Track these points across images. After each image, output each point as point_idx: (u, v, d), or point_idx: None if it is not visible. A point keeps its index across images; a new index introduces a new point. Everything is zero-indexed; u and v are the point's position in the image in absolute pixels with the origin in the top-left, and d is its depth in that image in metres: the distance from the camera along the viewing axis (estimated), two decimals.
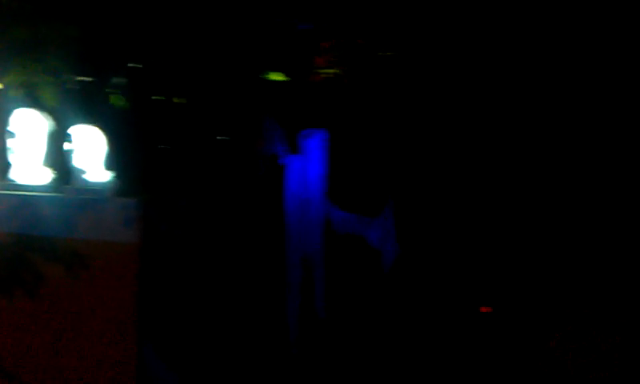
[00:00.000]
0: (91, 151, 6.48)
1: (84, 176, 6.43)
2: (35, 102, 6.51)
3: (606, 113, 7.44)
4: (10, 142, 6.50)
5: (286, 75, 7.93)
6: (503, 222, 7.53)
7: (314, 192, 7.58)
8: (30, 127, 6.50)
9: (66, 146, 6.41)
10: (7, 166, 6.52)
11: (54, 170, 6.55)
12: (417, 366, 7.38)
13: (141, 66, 7.19)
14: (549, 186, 7.50)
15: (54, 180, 6.51)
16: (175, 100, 7.09)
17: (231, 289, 7.10)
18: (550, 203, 7.48)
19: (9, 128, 6.52)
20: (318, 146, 7.64)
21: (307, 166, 7.60)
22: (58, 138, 6.57)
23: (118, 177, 6.55)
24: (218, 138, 7.49)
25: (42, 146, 6.55)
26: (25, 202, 6.26)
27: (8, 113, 6.54)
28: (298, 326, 7.37)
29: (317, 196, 7.58)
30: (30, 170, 6.49)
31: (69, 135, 6.40)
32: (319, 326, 7.42)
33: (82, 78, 6.92)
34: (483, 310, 7.43)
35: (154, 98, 7.16)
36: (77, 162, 6.42)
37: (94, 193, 6.34)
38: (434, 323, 7.43)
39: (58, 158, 6.53)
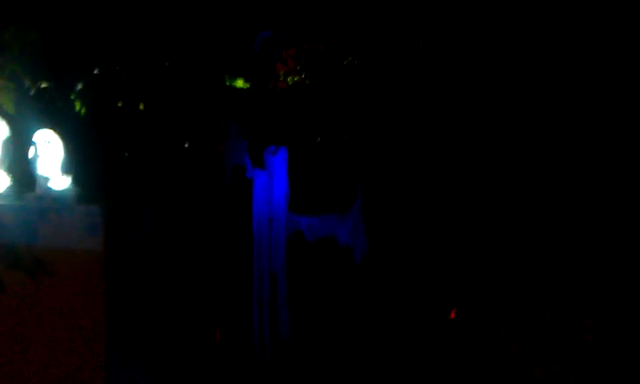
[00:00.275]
0: (54, 158, 6.35)
1: (47, 183, 6.30)
2: None
3: (573, 111, 7.58)
4: None
5: (250, 83, 7.91)
6: (470, 216, 7.61)
7: (278, 209, 7.58)
8: None
9: (29, 152, 6.27)
10: None
11: (15, 176, 6.42)
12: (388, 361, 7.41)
13: (103, 72, 7.10)
14: (514, 181, 7.60)
15: (16, 187, 6.38)
16: (141, 106, 7.01)
17: (197, 295, 7.05)
18: (515, 198, 7.58)
19: None
20: (282, 163, 7.66)
21: (272, 182, 7.60)
22: (20, 144, 6.43)
23: (81, 184, 6.44)
24: (184, 144, 7.43)
25: (1, 153, 6.42)
26: None
27: None
28: (265, 343, 7.35)
29: (281, 213, 7.60)
30: None
31: (32, 142, 6.27)
32: (284, 345, 7.41)
33: (43, 84, 6.81)
34: (452, 315, 7.50)
35: (117, 104, 7.08)
36: (40, 168, 6.29)
37: (57, 200, 6.22)
38: (404, 319, 7.47)
39: (20, 164, 6.40)
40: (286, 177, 7.54)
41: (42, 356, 6.00)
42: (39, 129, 6.47)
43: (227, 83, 7.94)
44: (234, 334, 7.31)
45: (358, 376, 7.51)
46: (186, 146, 7.52)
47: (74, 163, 6.51)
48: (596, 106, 7.51)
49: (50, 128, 6.53)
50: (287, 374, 7.36)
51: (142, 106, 7.26)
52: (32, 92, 6.73)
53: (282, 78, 8.31)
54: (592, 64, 7.52)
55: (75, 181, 6.42)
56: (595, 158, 7.52)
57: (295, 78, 8.28)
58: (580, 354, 7.28)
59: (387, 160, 7.80)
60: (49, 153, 6.43)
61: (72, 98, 6.99)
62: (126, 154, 7.14)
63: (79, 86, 7.08)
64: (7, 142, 6.46)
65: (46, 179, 6.33)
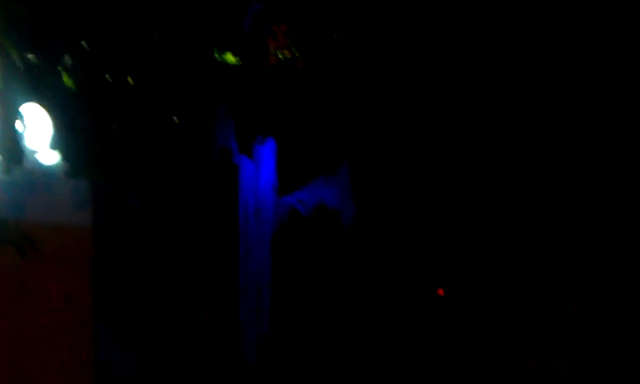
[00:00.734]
0: (42, 132, 6.30)
1: (36, 158, 6.25)
2: None
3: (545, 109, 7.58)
4: None
5: (239, 57, 7.84)
6: (456, 181, 7.61)
7: (265, 200, 7.52)
8: None
9: (17, 126, 6.22)
10: None
11: (3, 151, 6.36)
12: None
13: (91, 45, 7.02)
14: (506, 162, 7.61)
15: (3, 162, 6.33)
16: (129, 80, 6.94)
17: (186, 272, 7.04)
18: (509, 169, 7.59)
19: None
20: (271, 153, 7.59)
21: (259, 173, 7.53)
22: (7, 118, 6.37)
23: (70, 159, 6.40)
24: (172, 119, 7.38)
25: None
26: None
27: None
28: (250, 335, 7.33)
29: (268, 204, 7.53)
30: None
31: (20, 115, 6.21)
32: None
33: (30, 57, 6.72)
34: (440, 292, 7.51)
35: (106, 77, 7.01)
36: (28, 143, 6.24)
37: (45, 175, 6.19)
38: (392, 289, 7.48)
39: (7, 139, 6.34)
40: (274, 168, 7.48)
41: (30, 332, 5.99)
42: (27, 103, 6.42)
43: (216, 57, 7.88)
44: (222, 312, 7.30)
45: (345, 348, 7.51)
46: (175, 119, 7.47)
47: (63, 138, 6.46)
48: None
49: (38, 102, 6.48)
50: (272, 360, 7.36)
51: (130, 80, 7.19)
52: (20, 66, 6.65)
53: (272, 53, 8.25)
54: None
55: (64, 156, 6.38)
56: (579, 150, 7.53)
57: (286, 53, 8.22)
58: (566, 335, 7.31)
59: (376, 131, 7.77)
60: (37, 127, 6.39)
61: (60, 71, 6.92)
62: (115, 128, 7.08)
63: (67, 60, 7.00)
64: None
65: (35, 154, 6.29)
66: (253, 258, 7.40)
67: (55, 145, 6.36)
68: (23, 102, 6.39)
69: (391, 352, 7.55)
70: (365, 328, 7.58)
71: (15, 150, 6.36)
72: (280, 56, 8.16)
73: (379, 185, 7.75)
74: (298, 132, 7.71)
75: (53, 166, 6.30)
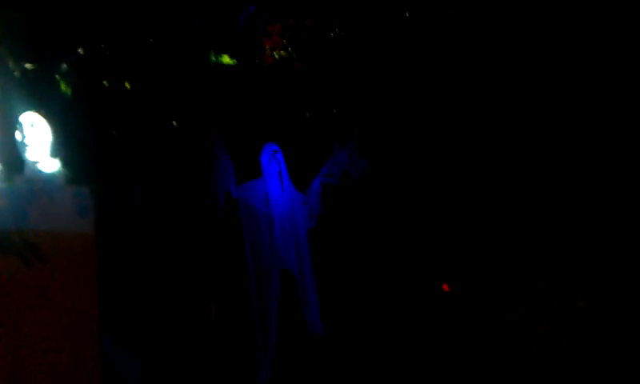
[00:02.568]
0: (42, 140, 6.28)
1: (36, 166, 6.22)
2: None
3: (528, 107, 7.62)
4: None
5: (236, 59, 7.83)
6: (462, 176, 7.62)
7: (285, 208, 7.41)
8: None
9: (17, 135, 6.19)
10: None
11: (3, 160, 6.33)
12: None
13: (87, 51, 7.00)
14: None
15: (4, 171, 6.30)
16: (126, 85, 6.92)
17: (191, 276, 7.02)
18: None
19: None
20: (280, 162, 7.49)
21: (270, 185, 7.42)
22: (6, 127, 6.34)
23: (70, 166, 6.37)
24: (171, 123, 7.36)
25: None
26: None
27: None
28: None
29: (292, 210, 7.43)
30: None
31: (19, 124, 6.18)
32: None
33: (27, 65, 6.70)
34: (445, 288, 7.51)
35: (103, 83, 6.99)
36: (28, 151, 6.21)
37: (46, 183, 6.16)
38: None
39: (7, 148, 6.31)
40: (285, 174, 7.38)
41: (35, 341, 5.96)
42: (25, 112, 6.39)
43: (212, 60, 7.86)
44: (229, 315, 7.27)
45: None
46: (174, 124, 7.45)
47: (63, 145, 6.44)
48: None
49: (37, 110, 6.45)
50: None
51: (127, 85, 7.17)
52: (16, 74, 6.62)
53: (268, 53, 8.23)
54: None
55: (64, 163, 6.35)
56: (584, 149, 7.56)
57: (282, 53, 8.21)
58: (571, 320, 7.33)
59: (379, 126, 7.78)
60: (36, 135, 6.36)
61: (57, 78, 6.89)
62: (114, 134, 7.06)
63: (64, 67, 6.98)
64: None
65: (35, 162, 6.26)
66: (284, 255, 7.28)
67: (55, 152, 6.33)
68: (22, 111, 6.36)
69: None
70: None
71: (15, 158, 6.33)
72: (276, 56, 8.14)
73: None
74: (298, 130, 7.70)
75: (53, 173, 6.27)
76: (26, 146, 6.28)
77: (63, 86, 6.76)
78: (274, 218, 7.27)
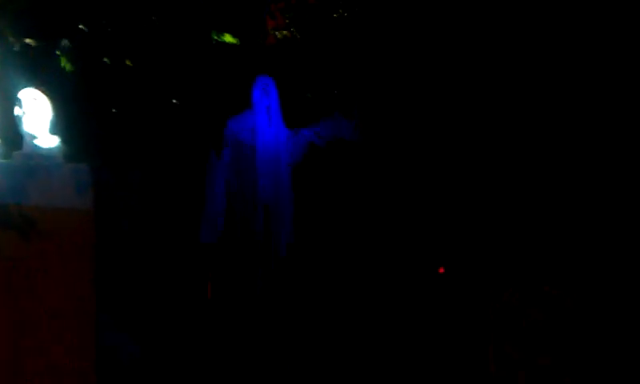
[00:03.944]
0: (41, 116, 6.26)
1: (35, 141, 6.21)
2: None
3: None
4: None
5: (239, 38, 7.81)
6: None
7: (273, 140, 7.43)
8: None
9: (16, 110, 6.18)
10: None
11: (2, 135, 6.33)
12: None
13: (89, 27, 6.99)
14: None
15: (3, 146, 6.30)
16: (127, 63, 6.92)
17: (186, 253, 7.03)
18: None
19: None
20: (270, 96, 7.47)
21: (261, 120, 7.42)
22: (6, 102, 6.34)
23: (69, 142, 6.37)
24: (171, 101, 7.35)
25: None
26: None
27: None
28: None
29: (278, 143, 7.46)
30: None
31: (18, 100, 6.17)
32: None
33: (29, 41, 6.70)
34: (441, 270, 7.51)
35: (104, 60, 6.98)
36: (27, 127, 6.20)
37: (45, 159, 6.14)
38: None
39: (6, 123, 6.31)
40: (277, 109, 7.40)
41: (32, 316, 5.97)
42: (25, 87, 6.38)
43: (214, 38, 7.84)
44: (225, 294, 7.29)
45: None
46: (174, 102, 7.45)
47: (62, 121, 6.43)
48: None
49: (37, 87, 6.44)
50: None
51: (128, 63, 7.16)
52: (16, 48, 6.62)
53: (271, 33, 8.21)
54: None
55: (64, 139, 6.35)
56: (585, 144, 7.53)
57: (285, 33, 8.18)
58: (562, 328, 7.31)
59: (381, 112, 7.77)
60: (36, 111, 6.34)
61: (58, 54, 6.89)
62: (114, 111, 7.06)
63: (64, 43, 6.97)
64: None
65: (34, 138, 6.24)
66: (269, 190, 7.38)
67: (55, 129, 6.32)
68: (22, 87, 6.35)
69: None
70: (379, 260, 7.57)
71: (14, 134, 6.33)
72: (279, 35, 8.12)
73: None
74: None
75: (53, 149, 6.26)
76: (26, 122, 6.26)
77: (64, 63, 6.76)
78: (258, 149, 7.34)
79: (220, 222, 7.23)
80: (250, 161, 7.32)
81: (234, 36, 7.84)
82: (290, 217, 7.37)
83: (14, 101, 6.28)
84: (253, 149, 7.33)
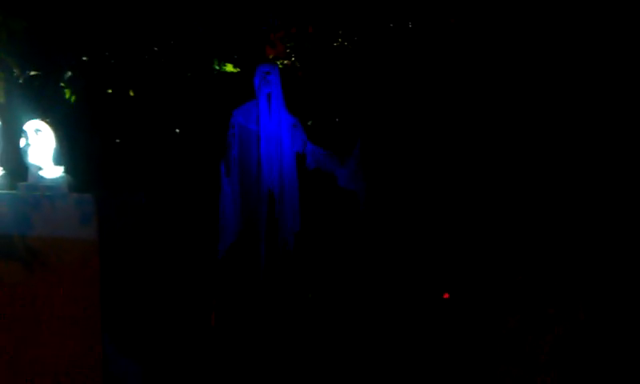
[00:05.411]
0: (45, 147, 6.29)
1: (39, 172, 6.24)
2: None
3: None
4: None
5: (239, 67, 7.87)
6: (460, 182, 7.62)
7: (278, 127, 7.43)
8: None
9: (21, 142, 6.21)
10: None
11: (7, 166, 6.37)
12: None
13: (92, 58, 7.04)
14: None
15: (8, 177, 6.33)
16: (130, 93, 6.97)
17: (192, 282, 7.03)
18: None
19: None
20: (271, 84, 7.47)
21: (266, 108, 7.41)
22: (10, 134, 6.37)
23: (73, 172, 6.40)
24: (174, 130, 7.40)
25: None
26: None
27: None
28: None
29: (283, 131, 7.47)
30: None
31: (23, 131, 6.21)
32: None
33: (32, 72, 6.74)
34: (446, 296, 7.51)
35: (107, 91, 7.03)
36: (31, 158, 6.23)
37: (49, 189, 6.17)
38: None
39: (11, 154, 6.34)
40: (281, 97, 7.41)
41: (38, 347, 5.97)
42: (29, 118, 6.42)
43: (216, 68, 7.90)
44: (229, 321, 7.27)
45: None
46: (177, 131, 7.49)
47: (66, 152, 6.46)
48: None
49: (41, 117, 6.48)
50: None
51: (131, 93, 7.21)
52: (21, 81, 6.66)
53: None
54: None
55: (67, 169, 6.37)
56: (588, 154, 7.56)
57: (285, 61, 8.25)
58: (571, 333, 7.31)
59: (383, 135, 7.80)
60: (40, 142, 6.38)
61: (61, 85, 6.93)
62: (118, 141, 7.10)
63: (68, 74, 7.02)
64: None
65: (38, 168, 6.27)
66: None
67: (59, 159, 6.35)
68: (26, 118, 6.39)
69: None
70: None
71: (19, 166, 6.36)
72: (279, 65, 8.18)
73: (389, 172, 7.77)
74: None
75: (57, 180, 6.29)
76: (30, 152, 6.29)
77: (67, 94, 6.80)
78: (262, 137, 7.35)
79: (235, 230, 7.25)
80: (255, 149, 7.34)
81: (235, 66, 7.91)
82: (297, 204, 7.40)
83: (18, 133, 6.32)
84: (258, 137, 7.35)
